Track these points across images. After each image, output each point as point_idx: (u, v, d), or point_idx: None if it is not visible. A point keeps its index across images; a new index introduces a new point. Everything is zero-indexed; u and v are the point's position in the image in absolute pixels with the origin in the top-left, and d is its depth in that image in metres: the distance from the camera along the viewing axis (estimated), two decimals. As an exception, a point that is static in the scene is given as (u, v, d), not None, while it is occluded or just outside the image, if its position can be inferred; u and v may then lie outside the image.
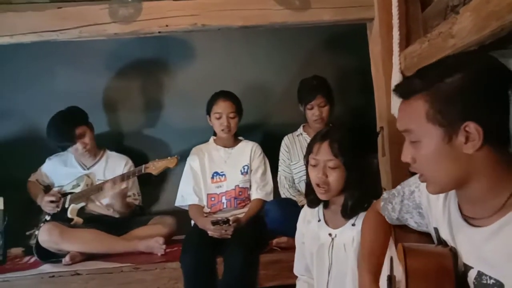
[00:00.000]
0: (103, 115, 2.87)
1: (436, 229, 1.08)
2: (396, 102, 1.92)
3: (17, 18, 1.97)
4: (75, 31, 1.99)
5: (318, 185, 1.51)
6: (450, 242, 1.01)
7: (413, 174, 1.10)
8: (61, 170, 2.51)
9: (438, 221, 1.06)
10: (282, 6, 2.03)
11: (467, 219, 0.96)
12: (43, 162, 2.58)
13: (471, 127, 0.85)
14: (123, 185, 2.30)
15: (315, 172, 1.51)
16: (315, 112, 2.35)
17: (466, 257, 0.96)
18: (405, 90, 0.94)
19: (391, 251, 1.28)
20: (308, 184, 1.60)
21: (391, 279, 1.22)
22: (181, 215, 2.47)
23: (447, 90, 0.87)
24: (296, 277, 1.78)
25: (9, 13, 1.96)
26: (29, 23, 1.97)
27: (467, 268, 0.95)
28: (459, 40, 1.43)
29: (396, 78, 1.93)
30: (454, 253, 0.97)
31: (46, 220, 2.33)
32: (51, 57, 2.76)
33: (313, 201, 1.63)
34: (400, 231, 1.24)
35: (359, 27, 2.28)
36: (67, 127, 2.36)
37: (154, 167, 2.28)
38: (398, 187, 1.27)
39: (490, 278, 0.88)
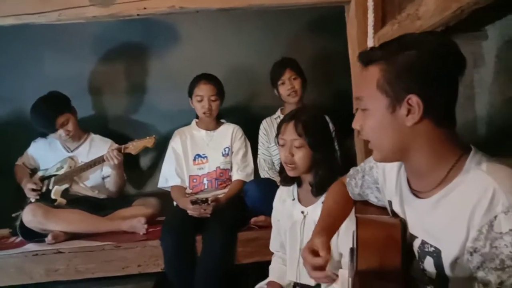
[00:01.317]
0: (88, 98, 2.90)
1: (390, 202, 1.14)
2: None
3: (-4, 1, 1.98)
4: (54, 14, 1.99)
5: (285, 163, 1.58)
6: (401, 214, 1.07)
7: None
8: (46, 153, 2.54)
9: (392, 194, 1.12)
10: (260, -12, 2.05)
11: (415, 192, 1.02)
12: (28, 146, 2.61)
13: (413, 100, 0.90)
14: (121, 156, 2.33)
15: (282, 151, 1.59)
16: (287, 86, 2.38)
17: (412, 227, 1.02)
18: (365, 58, 0.99)
19: (353, 225, 1.33)
20: (281, 163, 1.66)
21: (353, 251, 1.28)
22: (165, 196, 2.52)
23: (400, 63, 0.91)
24: (273, 253, 1.86)
25: (-12, -3, 1.97)
26: (8, 6, 1.97)
27: (413, 237, 1.01)
28: (424, 22, 1.47)
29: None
30: (403, 224, 1.03)
31: (30, 202, 2.37)
32: (34, 40, 2.77)
33: (285, 179, 1.69)
34: (361, 206, 1.29)
35: (339, 10, 2.30)
36: (49, 116, 2.38)
37: (133, 147, 2.32)
38: (362, 164, 1.32)
39: (431, 246, 0.94)
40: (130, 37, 2.90)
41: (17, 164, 2.58)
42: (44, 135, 2.56)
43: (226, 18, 2.83)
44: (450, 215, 0.89)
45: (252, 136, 2.56)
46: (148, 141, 2.32)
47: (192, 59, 2.89)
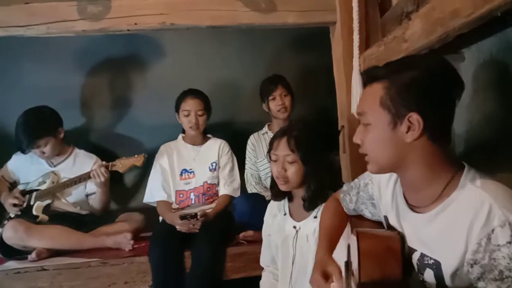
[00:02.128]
0: (71, 111, 2.84)
1: (385, 217, 1.18)
2: (355, 101, 2.05)
3: (-18, 12, 1.95)
4: (43, 27, 1.98)
5: (278, 178, 1.60)
6: (398, 228, 1.12)
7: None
8: (28, 167, 2.48)
9: (387, 209, 1.17)
10: (249, 8, 2.10)
11: (411, 206, 1.07)
12: (9, 158, 2.54)
13: (414, 118, 0.95)
14: (108, 174, 2.30)
15: (275, 166, 1.61)
16: (278, 101, 2.45)
17: (410, 240, 1.07)
18: (370, 75, 1.05)
19: (349, 239, 1.37)
20: (272, 178, 1.69)
21: (348, 264, 1.32)
22: (150, 212, 2.50)
23: (402, 82, 0.97)
24: (262, 268, 1.86)
25: (-26, 7, 1.94)
26: (-5, 18, 1.96)
27: (411, 250, 1.05)
28: (411, 44, 1.55)
29: (356, 78, 2.04)
30: (401, 237, 1.08)
31: (10, 218, 2.30)
32: (19, 52, 2.74)
33: (277, 194, 1.72)
34: (356, 220, 1.34)
35: (323, 29, 2.39)
36: (26, 137, 2.33)
37: (121, 165, 2.30)
38: (356, 180, 1.37)
39: (430, 258, 0.99)
40: (115, 51, 2.90)
41: None
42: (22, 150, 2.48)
43: (211, 34, 2.88)
44: (448, 229, 0.94)
45: (236, 151, 2.58)
46: (137, 160, 2.30)
47: (177, 74, 2.91)
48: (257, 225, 2.05)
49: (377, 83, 1.02)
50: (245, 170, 2.56)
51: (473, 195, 0.92)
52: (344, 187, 1.41)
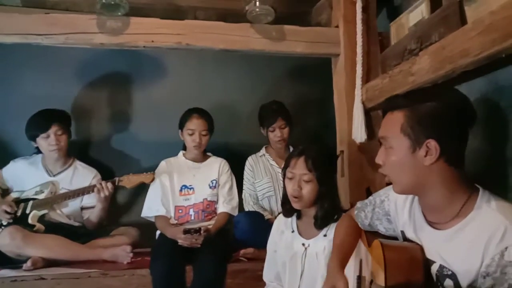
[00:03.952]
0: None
1: (402, 232, 1.29)
2: (357, 128, 2.18)
3: (4, 18, 1.99)
4: (62, 37, 2.04)
5: (293, 196, 1.67)
6: (416, 241, 1.22)
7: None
8: (25, 174, 2.44)
9: (405, 224, 1.27)
10: (260, 35, 2.25)
11: (430, 223, 1.18)
12: (2, 166, 2.49)
13: (432, 144, 1.08)
14: (112, 189, 2.30)
15: (291, 184, 1.67)
16: (277, 133, 2.55)
17: (429, 253, 1.17)
18: (392, 104, 1.17)
19: (361, 254, 1.46)
20: (284, 195, 1.75)
21: (360, 278, 1.40)
22: (143, 228, 2.50)
23: (422, 111, 1.10)
24: (262, 286, 1.89)
25: (-3, 13, 1.98)
26: (15, 25, 2.00)
27: (430, 262, 1.16)
28: (417, 78, 1.71)
29: (358, 107, 2.19)
30: (421, 248, 1.18)
31: (2, 225, 2.24)
32: (19, 61, 2.74)
33: (288, 211, 1.77)
34: (370, 235, 1.43)
35: (322, 61, 2.55)
36: (46, 118, 2.38)
37: (129, 181, 2.31)
38: (370, 197, 1.47)
39: (448, 270, 1.09)
40: (117, 67, 2.95)
41: None
42: (34, 138, 2.42)
43: (212, 57, 2.99)
44: (466, 246, 1.04)
45: (233, 171, 2.62)
46: (146, 177, 2.32)
47: (177, 93, 2.98)
48: (258, 243, 2.11)
49: (398, 111, 1.14)
50: (243, 191, 2.62)
51: (490, 217, 1.03)
52: (358, 204, 1.51)
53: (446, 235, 1.10)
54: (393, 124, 1.14)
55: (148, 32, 2.12)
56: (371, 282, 1.19)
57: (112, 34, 2.08)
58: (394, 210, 1.32)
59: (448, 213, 1.11)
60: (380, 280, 1.14)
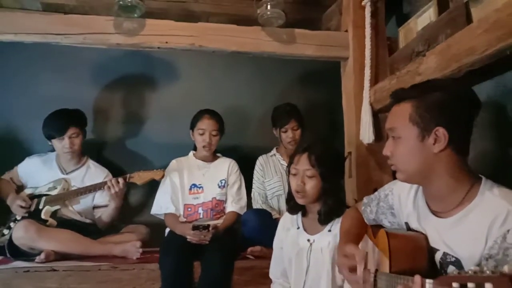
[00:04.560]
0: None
1: (406, 223, 1.31)
2: (365, 129, 2.21)
3: (25, 18, 2.07)
4: (80, 37, 2.11)
5: (296, 191, 1.70)
6: (420, 231, 1.24)
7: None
8: (40, 171, 2.50)
9: (409, 216, 1.30)
10: (271, 38, 2.30)
11: (434, 212, 1.20)
12: (17, 163, 2.57)
13: (440, 131, 1.11)
14: (125, 186, 2.36)
15: (295, 180, 1.71)
16: (289, 134, 2.59)
17: (433, 241, 1.19)
18: (399, 96, 1.21)
19: (367, 247, 1.48)
20: (289, 192, 1.79)
21: (365, 271, 1.42)
22: (153, 227, 2.54)
23: (429, 100, 1.13)
24: (269, 283, 1.92)
25: (18, 13, 2.06)
26: (35, 24, 2.08)
27: (434, 250, 1.17)
28: (425, 77, 1.74)
29: (366, 109, 2.23)
30: (425, 237, 1.20)
31: (16, 219, 2.30)
32: (34, 60, 2.82)
33: (293, 207, 1.81)
34: (375, 228, 1.45)
35: (331, 66, 2.60)
36: (63, 121, 2.43)
37: (139, 177, 2.36)
38: (376, 193, 1.50)
39: (452, 256, 1.11)
40: (131, 69, 3.03)
41: (3, 178, 2.51)
42: (50, 138, 2.47)
43: (222, 61, 3.06)
44: (470, 232, 1.07)
45: (242, 173, 2.67)
46: (156, 174, 2.37)
47: (188, 96, 3.04)
48: (265, 241, 2.13)
49: (405, 102, 1.17)
50: (252, 189, 2.66)
51: (493, 203, 1.06)
52: (365, 200, 1.53)
53: (450, 222, 1.12)
54: (401, 115, 1.17)
55: (162, 34, 2.19)
56: (376, 271, 1.20)
57: (128, 35, 2.16)
58: (398, 203, 1.35)
59: (451, 201, 1.13)
60: (385, 267, 1.16)
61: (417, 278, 0.79)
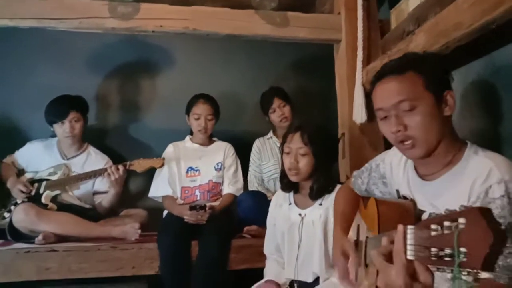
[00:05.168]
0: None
1: (397, 190, 1.35)
2: (357, 110, 2.25)
3: (21, 3, 2.09)
4: (75, 21, 2.14)
5: (290, 169, 1.75)
6: (409, 196, 1.28)
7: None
8: (41, 155, 2.53)
9: (400, 183, 1.34)
10: (265, 21, 2.33)
11: (422, 176, 1.24)
12: (10, 152, 2.60)
13: (450, 94, 1.14)
14: (125, 173, 2.40)
15: (288, 158, 1.76)
16: (278, 112, 2.63)
17: (420, 204, 1.23)
18: (397, 66, 1.18)
19: (358, 220, 1.53)
20: (283, 170, 1.83)
21: (357, 243, 1.47)
22: (152, 212, 2.58)
23: (431, 67, 1.15)
24: (265, 260, 1.97)
25: (14, -3, 2.08)
26: (31, 9, 2.10)
27: (421, 212, 1.22)
28: (414, 55, 1.78)
29: (358, 89, 2.26)
30: (413, 202, 1.24)
31: (16, 203, 2.33)
32: (35, 50, 2.86)
33: (286, 185, 1.86)
34: (366, 199, 1.49)
35: (324, 51, 2.63)
36: (65, 105, 2.47)
37: (139, 165, 2.40)
38: (366, 164, 1.55)
39: (437, 215, 1.15)
40: (127, 57, 3.05)
41: (4, 162, 2.55)
42: (51, 123, 2.50)
43: (217, 47, 3.09)
44: (455, 190, 1.11)
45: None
46: (156, 162, 2.42)
47: (184, 83, 3.06)
48: (260, 221, 2.18)
49: (407, 72, 1.14)
50: (249, 172, 2.70)
51: (477, 162, 1.10)
52: (355, 173, 1.58)
53: (436, 184, 1.17)
54: (412, 84, 1.13)
55: (157, 17, 2.21)
56: (367, 238, 1.25)
57: (122, 19, 2.18)
58: (390, 171, 1.39)
59: (439, 163, 1.17)
60: (375, 232, 1.21)
61: (400, 226, 0.83)
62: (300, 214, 1.79)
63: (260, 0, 2.25)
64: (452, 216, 0.66)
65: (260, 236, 2.17)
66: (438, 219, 0.69)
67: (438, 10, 1.71)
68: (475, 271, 0.61)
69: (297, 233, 1.78)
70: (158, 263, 2.07)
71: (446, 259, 0.65)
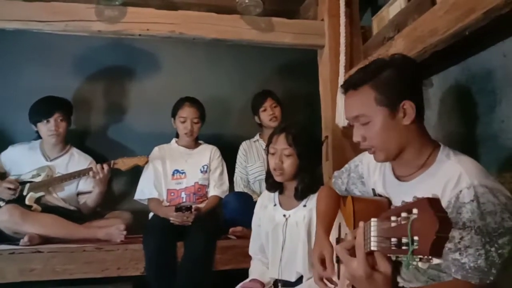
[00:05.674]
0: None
1: (373, 190, 1.40)
2: (340, 113, 2.31)
3: (7, 5, 2.10)
4: (62, 24, 2.15)
5: (275, 169, 1.79)
6: (384, 195, 1.33)
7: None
8: (24, 158, 2.52)
9: (376, 183, 1.39)
10: (250, 26, 2.38)
11: (397, 177, 1.29)
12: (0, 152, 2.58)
13: (408, 104, 1.17)
14: (109, 172, 2.41)
15: (273, 159, 1.80)
16: (269, 112, 2.69)
17: (395, 203, 1.28)
18: (354, 82, 1.23)
19: (340, 218, 1.58)
20: (268, 171, 1.87)
21: (339, 240, 1.51)
22: (137, 214, 2.59)
23: (386, 79, 1.18)
24: (249, 261, 2.00)
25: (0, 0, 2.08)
26: (16, 11, 2.11)
27: None
28: (394, 60, 1.85)
29: (341, 94, 2.32)
30: (388, 199, 1.29)
31: (3, 200, 2.31)
32: (20, 53, 2.85)
33: (272, 185, 1.90)
34: (345, 198, 1.54)
35: (308, 56, 2.69)
36: (50, 105, 2.49)
37: (123, 163, 2.41)
38: (346, 165, 1.59)
39: (395, 207, 1.19)
40: (113, 60, 3.06)
41: None
42: (36, 122, 2.50)
43: (203, 52, 3.13)
44: (427, 192, 1.15)
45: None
46: (140, 160, 2.43)
47: (170, 86, 3.08)
48: (246, 222, 2.21)
49: (362, 87, 1.20)
50: (235, 174, 2.74)
51: (448, 167, 1.15)
52: (335, 173, 1.63)
53: (410, 185, 1.22)
54: (365, 100, 1.19)
55: (143, 21, 2.24)
56: (345, 235, 1.30)
57: (109, 22, 2.20)
58: (367, 171, 1.44)
59: (414, 165, 1.22)
60: (351, 228, 1.26)
61: (361, 222, 0.88)
62: (284, 215, 1.83)
63: (245, 5, 2.30)
64: (407, 207, 0.71)
65: (245, 237, 2.21)
66: (396, 210, 0.74)
67: (416, 17, 1.78)
68: (426, 257, 0.66)
69: (281, 234, 1.82)
70: (143, 264, 2.09)
71: (403, 247, 0.70)
